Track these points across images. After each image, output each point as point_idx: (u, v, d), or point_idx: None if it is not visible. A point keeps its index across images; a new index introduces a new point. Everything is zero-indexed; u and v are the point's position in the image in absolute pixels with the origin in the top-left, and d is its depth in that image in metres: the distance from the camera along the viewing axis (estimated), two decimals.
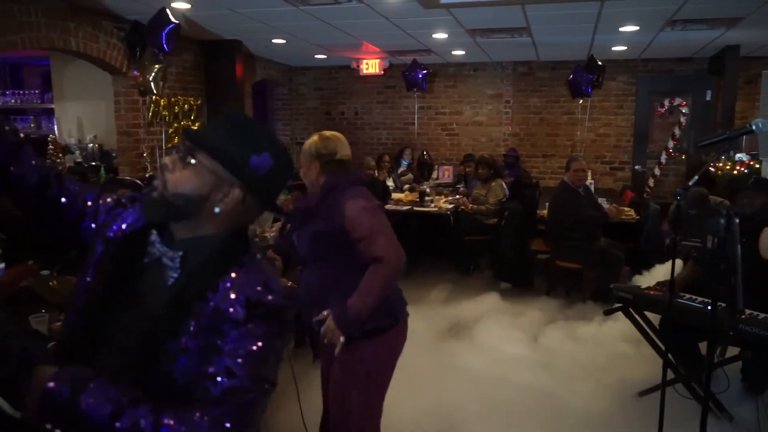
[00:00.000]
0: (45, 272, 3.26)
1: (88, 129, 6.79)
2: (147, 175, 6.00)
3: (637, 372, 3.85)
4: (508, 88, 9.01)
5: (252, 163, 1.25)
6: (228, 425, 1.09)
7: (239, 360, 1.13)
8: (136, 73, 4.94)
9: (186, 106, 6.88)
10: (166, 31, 4.69)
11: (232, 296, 1.19)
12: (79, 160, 6.48)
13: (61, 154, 5.58)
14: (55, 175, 1.39)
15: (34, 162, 1.36)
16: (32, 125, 7.46)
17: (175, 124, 6.75)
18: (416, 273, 6.32)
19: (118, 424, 1.04)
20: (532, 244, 6.23)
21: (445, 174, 9.06)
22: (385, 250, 2.22)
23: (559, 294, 5.71)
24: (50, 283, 2.92)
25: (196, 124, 7.07)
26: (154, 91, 4.91)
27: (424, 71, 8.16)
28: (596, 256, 5.35)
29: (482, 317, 5.07)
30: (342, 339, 2.19)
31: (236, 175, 1.25)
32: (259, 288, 1.20)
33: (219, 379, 1.12)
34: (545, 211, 5.94)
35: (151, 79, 4.79)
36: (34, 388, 1.07)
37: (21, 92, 7.62)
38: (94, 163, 6.29)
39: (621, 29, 6.16)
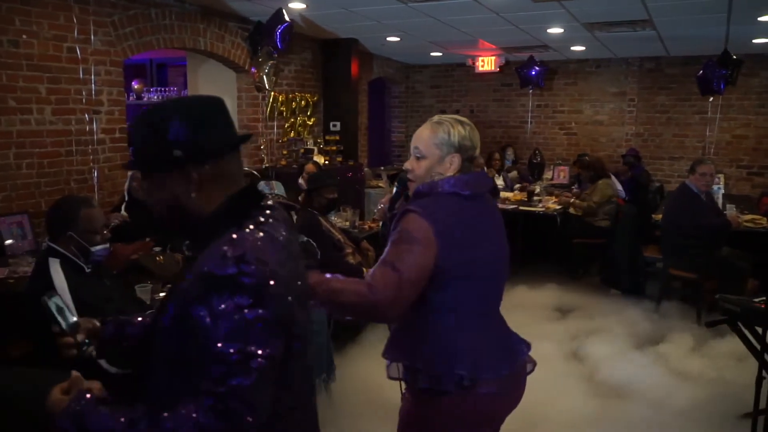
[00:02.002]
0: (157, 249, 3.62)
1: None
2: (264, 167, 6.39)
3: (744, 392, 3.51)
4: (633, 85, 8.50)
5: (170, 137, 1.18)
6: (226, 408, 1.06)
7: (218, 344, 1.07)
8: (253, 70, 5.28)
9: (303, 102, 7.23)
10: (280, 29, 4.97)
11: (194, 273, 1.13)
12: None
13: None
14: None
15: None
16: None
17: (292, 119, 7.12)
18: (520, 275, 6.18)
19: None
20: (647, 249, 5.85)
21: (560, 174, 8.74)
22: (384, 284, 1.64)
23: (672, 304, 5.32)
24: (157, 258, 3.23)
25: (312, 120, 7.41)
26: (267, 87, 5.22)
27: (539, 68, 7.93)
28: (715, 267, 4.92)
29: (585, 325, 4.86)
30: None
31: (171, 160, 1.18)
32: (217, 260, 1.10)
33: (206, 364, 1.08)
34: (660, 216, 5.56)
35: (264, 75, 5.09)
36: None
37: (164, 89, 8.42)
38: None
39: (759, 18, 5.60)
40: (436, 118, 1.91)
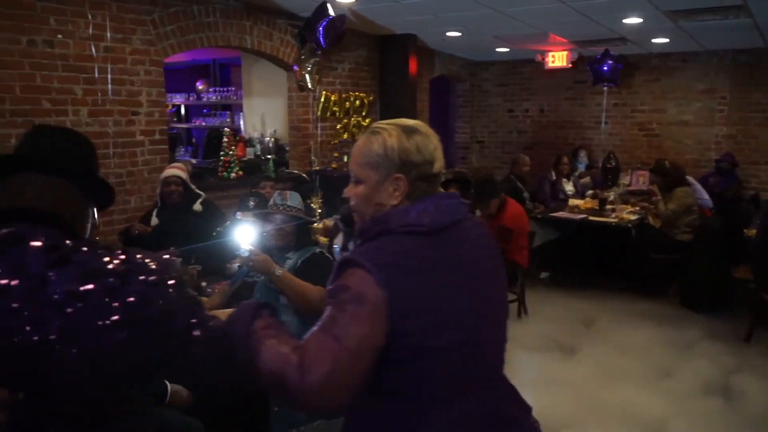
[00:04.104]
0: None
1: (269, 124, 7.15)
2: (313, 169, 6.11)
3: None
4: (724, 81, 7.63)
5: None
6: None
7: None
8: (295, 68, 5.00)
9: (357, 102, 6.91)
10: (322, 25, 4.65)
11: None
12: (258, 153, 6.86)
13: (233, 147, 5.90)
14: None
15: None
16: (228, 120, 8.12)
17: (345, 120, 6.81)
18: (588, 291, 5.59)
19: None
20: (736, 270, 5.12)
21: (639, 180, 7.96)
22: (315, 354, 1.17)
23: (763, 334, 4.58)
24: None
25: (367, 120, 7.07)
26: (309, 86, 4.91)
27: (611, 63, 7.23)
28: None
29: (657, 352, 4.26)
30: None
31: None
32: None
33: None
34: (754, 231, 4.84)
35: (307, 73, 4.79)
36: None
37: (223, 89, 8.35)
38: (268, 156, 6.60)
39: None
40: (373, 125, 1.43)
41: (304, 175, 6.07)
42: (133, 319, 1.04)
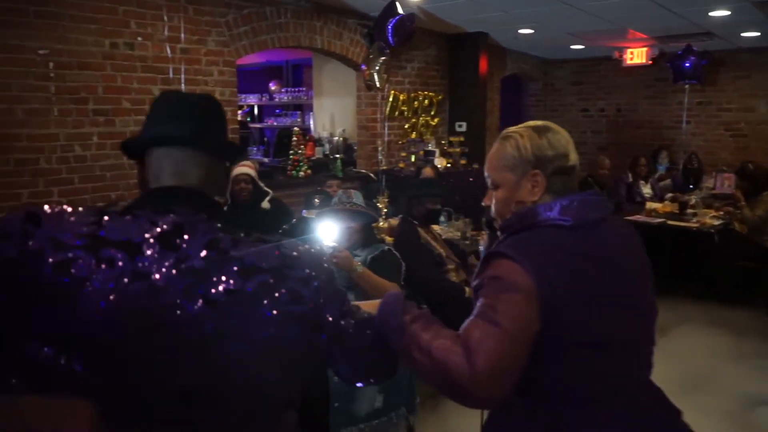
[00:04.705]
0: None
1: (339, 123, 7.22)
2: (381, 169, 6.11)
3: None
4: None
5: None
6: None
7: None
8: (363, 67, 5.00)
9: (426, 101, 6.86)
10: (391, 23, 4.63)
11: None
12: (327, 152, 6.93)
13: (302, 146, 5.97)
14: None
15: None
16: (299, 119, 8.27)
17: (414, 119, 6.78)
18: (665, 301, 5.29)
19: None
20: None
21: (724, 183, 7.48)
22: (479, 343, 1.15)
23: None
24: None
25: (435, 120, 7.01)
26: (377, 85, 4.90)
27: (694, 59, 6.83)
28: None
29: (737, 364, 3.98)
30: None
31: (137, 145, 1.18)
32: None
33: None
34: None
35: (375, 72, 4.79)
36: None
37: (294, 90, 8.51)
38: (337, 155, 6.65)
39: None
40: (503, 132, 1.47)
41: (371, 174, 6.10)
42: (284, 314, 1.02)
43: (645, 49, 7.58)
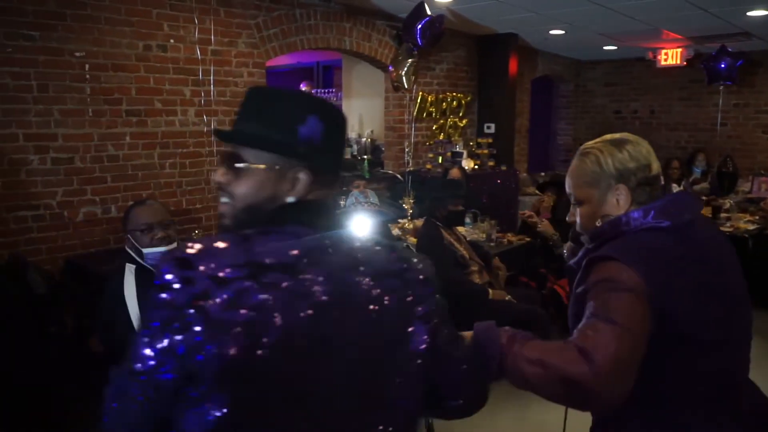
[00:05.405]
0: None
1: (367, 124, 7.25)
2: (408, 170, 6.12)
3: None
4: None
5: (301, 134, 1.04)
6: None
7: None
8: (390, 68, 5.02)
9: (454, 102, 6.84)
10: (420, 25, 4.64)
11: None
12: (355, 153, 6.97)
13: None
14: None
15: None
16: None
17: (442, 121, 6.77)
18: None
19: None
20: None
21: (762, 187, 7.31)
22: (596, 343, 1.15)
23: None
24: None
25: (464, 121, 6.99)
26: (405, 86, 4.92)
27: (729, 59, 6.67)
28: None
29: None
30: None
31: (293, 157, 1.04)
32: None
33: None
34: None
35: (403, 73, 4.80)
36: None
37: (324, 91, 8.59)
38: (364, 156, 6.69)
39: None
40: (581, 148, 1.49)
41: (398, 175, 6.11)
42: (414, 316, 1.07)
43: (680, 49, 7.43)
